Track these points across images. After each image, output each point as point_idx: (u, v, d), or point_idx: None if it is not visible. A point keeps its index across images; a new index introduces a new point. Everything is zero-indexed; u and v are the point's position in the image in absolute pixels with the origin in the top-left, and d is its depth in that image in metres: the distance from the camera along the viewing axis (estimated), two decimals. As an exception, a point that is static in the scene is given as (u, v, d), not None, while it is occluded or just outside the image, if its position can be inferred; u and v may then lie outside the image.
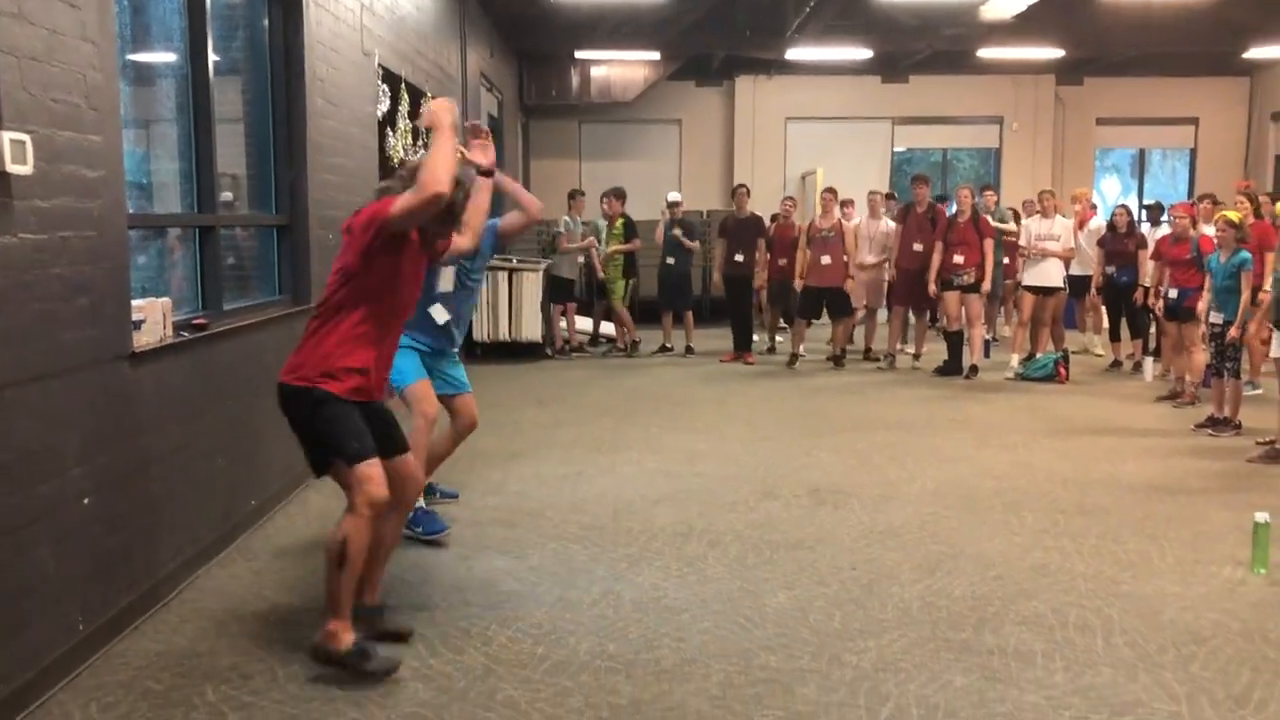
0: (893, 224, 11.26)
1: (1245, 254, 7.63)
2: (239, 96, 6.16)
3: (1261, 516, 4.94)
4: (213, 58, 5.21)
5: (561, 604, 4.50)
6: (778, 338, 12.36)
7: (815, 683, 3.76)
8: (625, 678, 3.80)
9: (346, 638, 3.75)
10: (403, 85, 8.53)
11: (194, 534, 4.78)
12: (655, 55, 15.34)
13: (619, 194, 12.01)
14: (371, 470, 3.74)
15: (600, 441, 7.60)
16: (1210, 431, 7.79)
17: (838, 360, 11.13)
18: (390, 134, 8.35)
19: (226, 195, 5.72)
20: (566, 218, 11.86)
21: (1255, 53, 15.10)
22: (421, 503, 5.32)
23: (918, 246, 10.55)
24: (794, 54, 14.85)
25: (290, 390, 3.78)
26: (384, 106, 8.11)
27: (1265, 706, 3.58)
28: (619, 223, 11.92)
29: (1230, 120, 17.64)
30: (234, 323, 5.30)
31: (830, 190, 11.11)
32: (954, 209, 10.49)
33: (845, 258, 10.86)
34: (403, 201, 3.65)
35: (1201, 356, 8.55)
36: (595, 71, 16.03)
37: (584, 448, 7.41)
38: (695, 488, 6.38)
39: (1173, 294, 8.75)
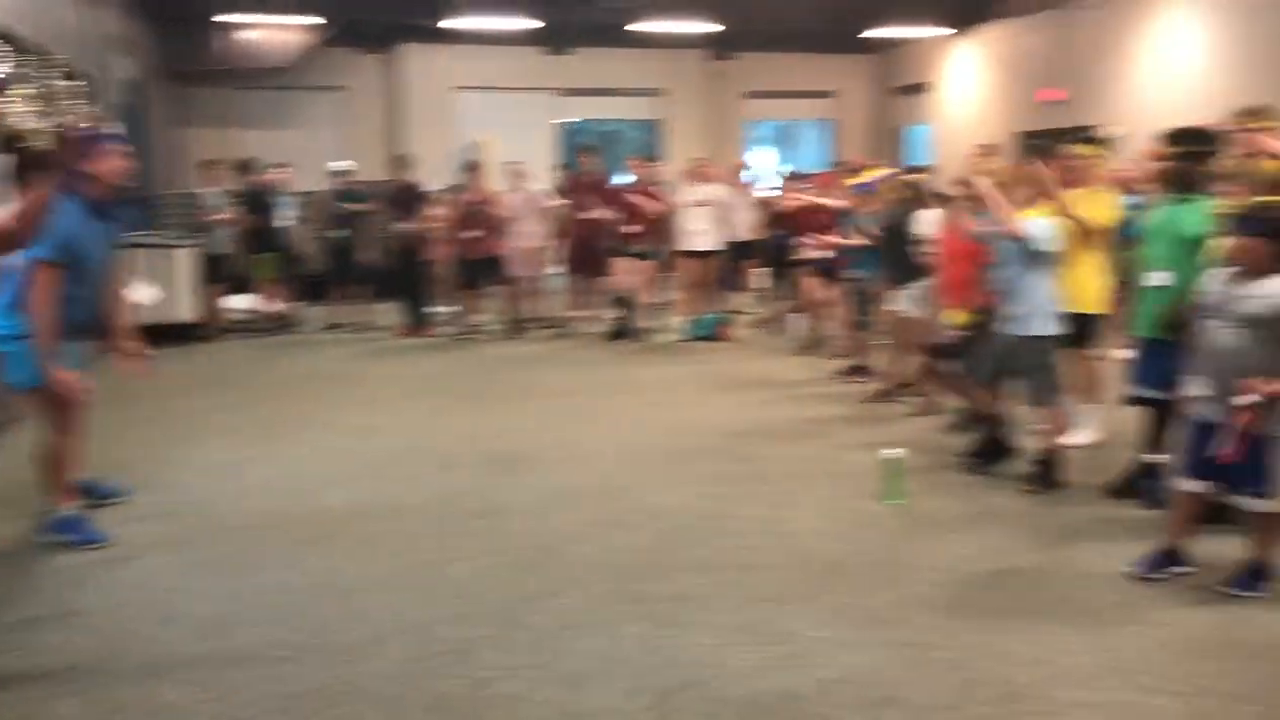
0: (546, 193, 11.49)
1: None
2: None
3: (890, 453, 5.49)
4: None
5: (229, 596, 4.28)
6: (454, 309, 12.23)
7: (496, 648, 3.81)
8: (299, 665, 3.68)
9: None
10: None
11: None
12: (308, 19, 14.66)
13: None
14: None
15: (268, 425, 7.25)
16: (852, 379, 8.53)
17: (513, 330, 11.20)
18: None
19: None
20: (209, 190, 11.19)
21: (877, 33, 16.60)
22: (70, 510, 4.88)
23: (588, 215, 10.80)
24: (454, 22, 14.70)
25: None
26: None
27: (902, 622, 4.00)
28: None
29: (861, 94, 19.32)
30: None
31: (477, 162, 11.20)
32: (623, 179, 10.83)
33: (501, 227, 10.95)
34: None
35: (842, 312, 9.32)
36: (246, 35, 15.09)
37: (251, 432, 7.04)
38: (372, 465, 6.24)
39: (816, 255, 9.46)
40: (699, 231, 10.81)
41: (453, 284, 11.59)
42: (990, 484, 5.68)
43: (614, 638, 3.89)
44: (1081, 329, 6.07)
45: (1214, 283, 4.21)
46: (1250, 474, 4.05)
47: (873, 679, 3.56)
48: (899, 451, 5.54)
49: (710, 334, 10.72)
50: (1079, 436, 6.28)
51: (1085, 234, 5.95)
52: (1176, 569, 4.31)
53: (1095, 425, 6.33)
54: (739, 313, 11.43)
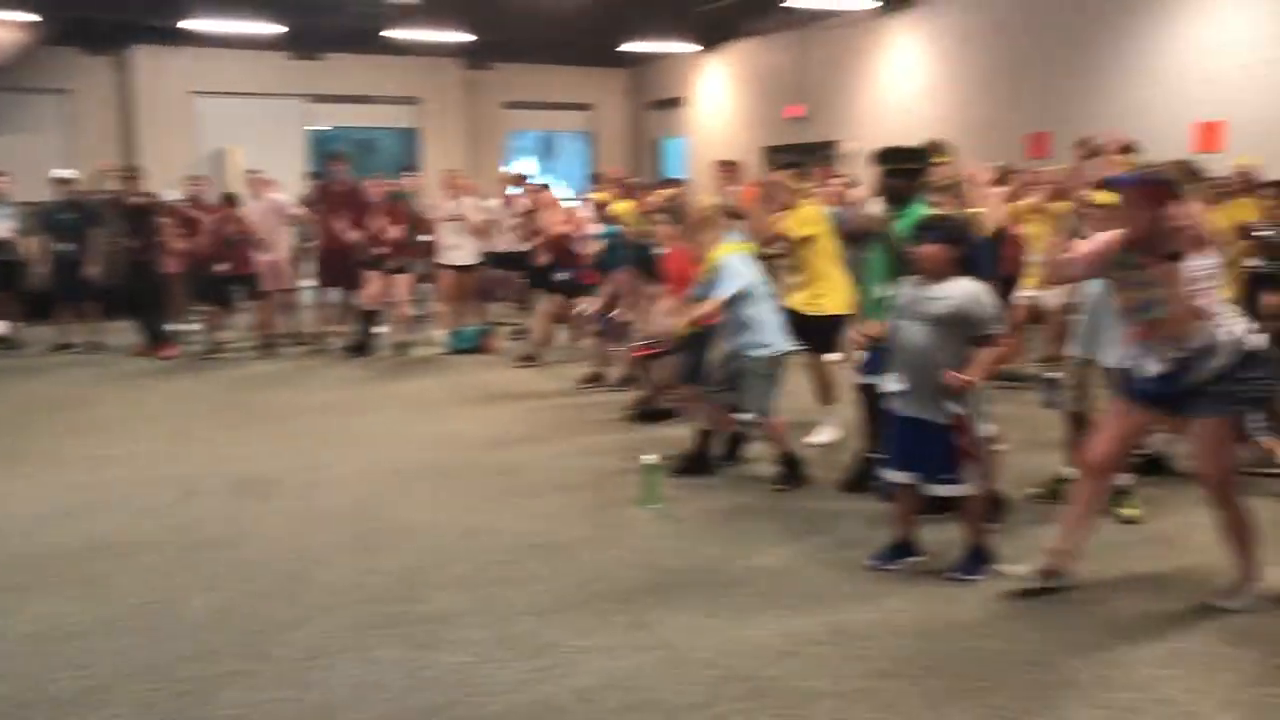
0: (285, 202, 11.10)
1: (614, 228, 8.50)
2: None
3: (647, 458, 5.58)
4: None
5: (-70, 653, 3.86)
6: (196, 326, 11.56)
7: (240, 685, 3.60)
8: (14, 722, 3.36)
9: None
10: None
11: None
12: (25, 16, 13.53)
13: None
14: None
15: (-17, 458, 6.61)
16: (593, 386, 8.63)
17: (263, 347, 10.70)
18: None
19: None
20: None
21: (631, 47, 16.98)
22: None
23: (339, 226, 10.46)
24: (193, 24, 13.93)
25: None
26: None
27: (660, 624, 4.06)
28: None
29: (618, 107, 19.69)
30: None
31: (200, 177, 10.75)
32: (378, 189, 10.56)
33: (246, 240, 10.48)
34: None
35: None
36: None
37: (-39, 467, 6.39)
38: (104, 498, 5.78)
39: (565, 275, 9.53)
40: (455, 245, 10.69)
41: (194, 300, 10.96)
42: (741, 485, 5.88)
43: (368, 663, 3.76)
44: (819, 333, 6.42)
45: (905, 286, 4.54)
46: (941, 462, 4.36)
47: (630, 684, 3.60)
48: (655, 457, 5.64)
49: (473, 346, 10.61)
50: (821, 436, 6.61)
51: (792, 246, 6.38)
52: (910, 559, 4.59)
53: (836, 424, 6.66)
54: (502, 324, 11.36)
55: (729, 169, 9.94)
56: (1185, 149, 10.47)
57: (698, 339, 6.18)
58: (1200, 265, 3.93)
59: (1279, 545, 4.43)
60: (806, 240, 6.46)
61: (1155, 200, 3.94)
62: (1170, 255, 3.89)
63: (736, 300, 5.74)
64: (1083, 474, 4.35)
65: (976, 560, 4.47)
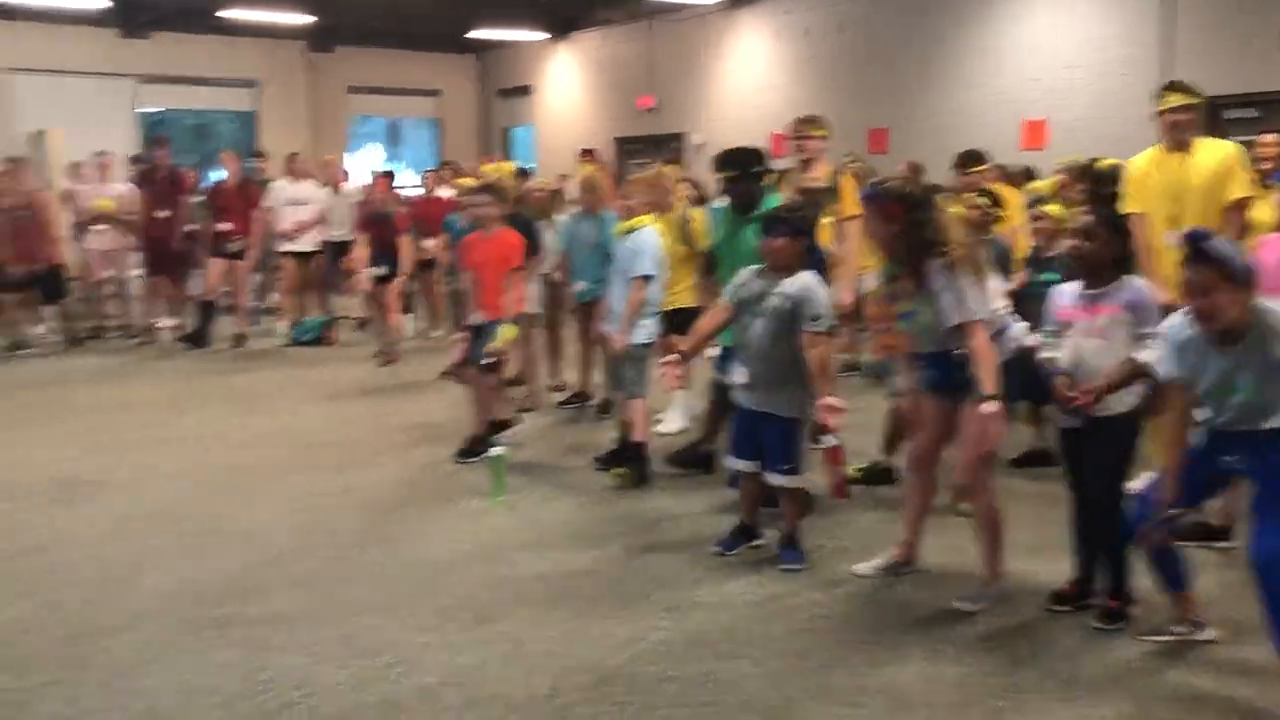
0: (126, 188, 10.57)
1: None
2: None
3: (494, 450, 5.52)
4: None
5: None
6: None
7: (56, 697, 3.40)
8: None
9: None
10: None
11: None
12: None
13: None
14: None
15: None
16: (455, 380, 8.45)
17: (75, 341, 10.11)
18: None
19: None
20: None
21: (479, 34, 16.76)
22: None
23: (162, 213, 10.00)
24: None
25: None
26: None
27: (504, 618, 4.01)
28: None
29: (467, 94, 19.40)
30: None
31: (25, 157, 10.12)
32: (221, 174, 10.16)
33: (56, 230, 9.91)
34: None
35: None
36: None
37: None
38: (-99, 502, 5.38)
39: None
40: (296, 233, 10.35)
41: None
42: (585, 475, 5.86)
43: (198, 668, 3.60)
44: (675, 324, 6.43)
45: (748, 279, 4.55)
46: (781, 453, 4.46)
47: (473, 678, 3.55)
48: (501, 449, 5.58)
49: (315, 338, 10.30)
50: (670, 424, 6.66)
51: (690, 248, 6.28)
52: (751, 543, 4.66)
53: (683, 413, 6.72)
54: (345, 316, 11.05)
55: (588, 157, 9.95)
56: (1015, 147, 11.01)
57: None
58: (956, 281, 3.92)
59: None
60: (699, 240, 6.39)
61: (891, 214, 4.00)
62: (921, 267, 3.95)
63: (650, 280, 5.66)
64: (908, 469, 4.48)
65: (794, 547, 4.54)
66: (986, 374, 3.84)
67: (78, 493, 5.57)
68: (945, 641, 3.82)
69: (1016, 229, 6.85)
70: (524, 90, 18.46)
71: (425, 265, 9.74)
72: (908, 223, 3.97)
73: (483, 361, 6.03)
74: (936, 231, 3.98)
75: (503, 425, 6.30)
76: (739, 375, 4.56)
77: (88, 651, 3.72)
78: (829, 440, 4.35)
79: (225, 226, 10.00)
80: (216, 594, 4.24)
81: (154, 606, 4.10)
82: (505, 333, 6.05)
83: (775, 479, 4.49)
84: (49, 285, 9.92)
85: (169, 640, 3.81)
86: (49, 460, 6.20)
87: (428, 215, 9.84)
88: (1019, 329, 4.27)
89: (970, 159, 7.40)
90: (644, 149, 15.43)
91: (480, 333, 6.15)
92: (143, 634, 3.86)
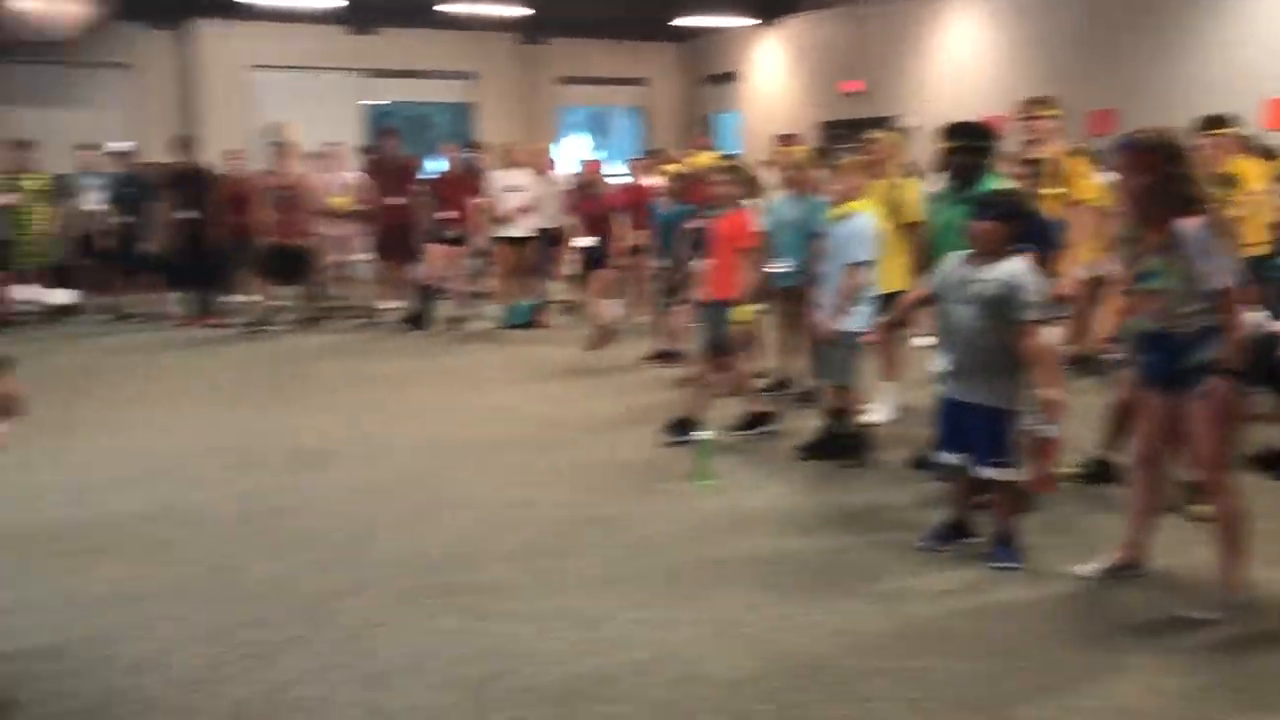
0: (355, 177, 11.21)
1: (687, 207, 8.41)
2: None
3: (701, 434, 5.58)
4: None
5: (9, 608, 3.99)
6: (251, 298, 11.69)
7: (298, 651, 3.67)
8: (82, 678, 3.46)
9: None
10: None
11: None
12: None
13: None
14: None
15: (52, 425, 6.73)
16: (659, 363, 8.61)
17: (313, 319, 10.82)
18: None
19: None
20: None
21: (685, 21, 16.87)
22: None
23: (393, 200, 10.55)
24: (253, -1, 14.08)
25: None
26: None
27: (715, 600, 4.07)
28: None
29: (672, 82, 19.57)
30: None
31: (283, 145, 10.82)
32: (435, 164, 10.65)
33: (308, 213, 10.60)
34: None
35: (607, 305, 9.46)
36: (22, 6, 13.99)
37: (33, 433, 6.51)
38: (164, 465, 5.91)
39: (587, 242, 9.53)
40: (511, 219, 10.72)
41: (253, 271, 11.10)
42: (789, 462, 5.84)
43: (423, 632, 3.82)
44: (889, 308, 6.33)
45: (952, 265, 4.41)
46: (992, 446, 4.27)
47: (683, 657, 3.61)
48: (709, 433, 5.64)
49: (527, 321, 10.65)
50: (880, 414, 6.55)
51: (901, 222, 6.21)
52: (964, 540, 4.54)
53: (895, 403, 6.60)
54: (556, 300, 11.38)
55: (788, 141, 9.88)
56: (1256, 125, 10.23)
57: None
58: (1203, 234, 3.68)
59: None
60: (911, 218, 6.30)
61: (1146, 164, 3.77)
62: (1168, 219, 3.70)
63: (865, 266, 5.62)
64: (1134, 467, 4.25)
65: (1007, 544, 4.37)
66: (1233, 348, 3.59)
67: (316, 461, 5.98)
68: (1172, 651, 3.63)
69: (1259, 198, 6.44)
70: (729, 77, 18.46)
71: (633, 251, 9.90)
72: (1163, 175, 3.73)
73: (720, 345, 6.10)
74: (1192, 186, 3.75)
75: (762, 418, 6.35)
76: (943, 363, 4.44)
77: (325, 611, 3.99)
78: (1048, 430, 4.19)
79: (447, 214, 10.47)
80: (439, 563, 4.47)
81: (384, 572, 4.36)
82: (740, 314, 6.07)
83: (986, 471, 4.35)
84: (296, 265, 10.65)
85: (397, 605, 4.05)
86: (295, 429, 6.68)
87: (636, 202, 10.00)
88: (1258, 315, 3.98)
89: (1213, 122, 7.01)
90: (849, 133, 15.16)
91: (711, 312, 6.20)
92: (373, 598, 4.12)
